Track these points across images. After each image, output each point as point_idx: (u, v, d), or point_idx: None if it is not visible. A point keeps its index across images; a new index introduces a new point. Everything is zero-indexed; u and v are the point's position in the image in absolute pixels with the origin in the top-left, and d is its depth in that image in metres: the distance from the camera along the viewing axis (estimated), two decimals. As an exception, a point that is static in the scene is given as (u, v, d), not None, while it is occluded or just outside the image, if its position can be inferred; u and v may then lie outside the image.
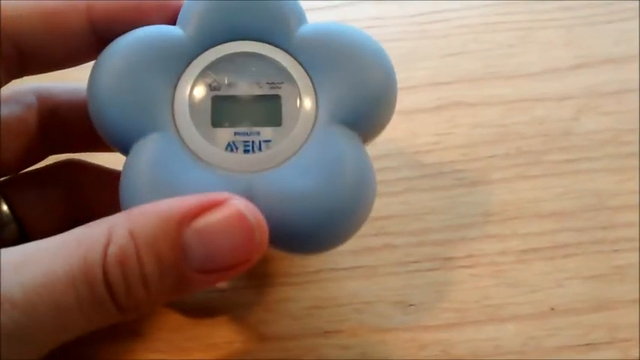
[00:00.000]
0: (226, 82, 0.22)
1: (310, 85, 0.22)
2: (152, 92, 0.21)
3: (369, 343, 0.25)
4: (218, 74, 0.22)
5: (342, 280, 0.27)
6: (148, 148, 0.21)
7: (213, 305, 0.26)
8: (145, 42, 0.22)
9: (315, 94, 0.22)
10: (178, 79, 0.22)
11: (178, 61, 0.22)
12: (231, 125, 0.21)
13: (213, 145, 0.21)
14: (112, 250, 0.17)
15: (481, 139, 0.30)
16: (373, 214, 0.28)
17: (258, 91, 0.22)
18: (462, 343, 0.25)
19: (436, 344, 0.25)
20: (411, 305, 0.26)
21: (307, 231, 0.20)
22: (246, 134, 0.21)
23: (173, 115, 0.22)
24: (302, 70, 0.22)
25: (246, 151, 0.21)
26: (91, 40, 0.22)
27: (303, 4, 0.35)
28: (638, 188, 0.29)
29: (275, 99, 0.22)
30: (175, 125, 0.21)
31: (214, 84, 0.22)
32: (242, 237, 0.18)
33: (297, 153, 0.21)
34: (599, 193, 0.29)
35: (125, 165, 0.21)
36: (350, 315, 0.26)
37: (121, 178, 0.21)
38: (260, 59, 0.22)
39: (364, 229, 0.28)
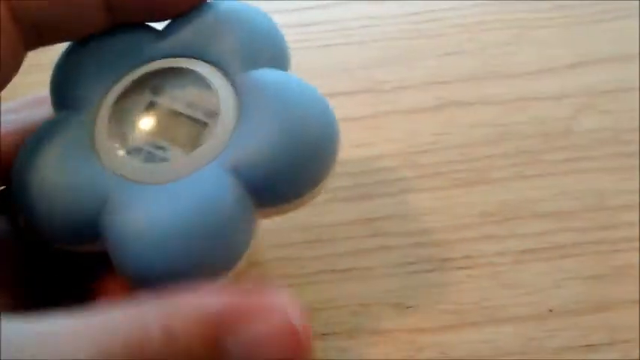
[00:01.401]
0: (169, 93, 0.22)
1: (235, 127, 0.20)
2: (106, 67, 0.22)
3: (367, 345, 0.25)
4: (167, 82, 0.22)
5: (338, 281, 0.27)
6: (53, 125, 0.21)
7: None
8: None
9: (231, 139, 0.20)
10: (132, 69, 0.22)
11: (143, 53, 0.22)
12: (149, 133, 0.21)
13: (119, 145, 0.21)
14: (149, 346, 0.16)
15: (479, 138, 0.30)
16: (370, 214, 0.28)
17: (191, 113, 0.21)
18: (460, 345, 0.25)
19: (434, 346, 0.25)
20: (408, 307, 0.26)
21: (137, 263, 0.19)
22: (155, 146, 0.21)
23: (106, 97, 0.22)
24: (236, 111, 0.21)
25: (144, 161, 0.20)
26: (105, 15, 0.22)
27: (297, 3, 0.36)
28: (638, 188, 0.28)
29: (203, 127, 0.21)
30: (99, 108, 0.22)
31: (157, 90, 0.22)
32: (289, 351, 0.17)
33: (177, 181, 0.20)
34: (599, 192, 0.28)
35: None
36: (347, 317, 0.26)
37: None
38: (209, 87, 0.21)
39: (361, 229, 0.28)
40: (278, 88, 0.21)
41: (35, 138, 0.22)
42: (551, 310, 0.25)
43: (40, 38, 0.21)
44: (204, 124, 0.21)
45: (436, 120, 0.31)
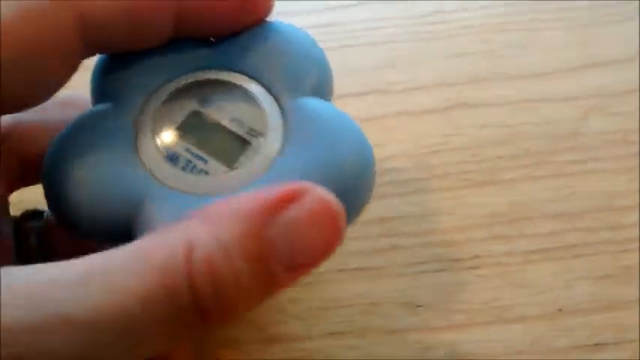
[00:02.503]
0: (215, 105, 0.21)
1: (279, 151, 0.21)
2: (157, 67, 0.22)
3: (377, 344, 0.25)
4: (214, 94, 0.22)
5: (349, 281, 0.27)
6: (94, 117, 0.21)
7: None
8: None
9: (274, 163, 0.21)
10: (183, 74, 0.22)
11: (196, 60, 0.22)
12: (190, 141, 0.21)
13: (159, 148, 0.21)
14: (198, 256, 0.16)
15: (488, 139, 0.30)
16: (380, 214, 0.28)
17: (235, 129, 0.21)
18: (469, 344, 0.25)
19: (444, 345, 0.25)
20: (418, 306, 0.26)
21: None
22: (195, 156, 0.21)
23: (152, 97, 0.22)
24: (281, 136, 0.21)
25: (182, 169, 0.20)
26: (171, 31, 0.21)
27: (309, 5, 0.36)
28: (645, 188, 0.28)
29: (245, 145, 0.21)
30: (144, 107, 0.21)
31: (204, 100, 0.22)
32: (329, 226, 0.17)
33: (214, 196, 0.20)
34: (607, 193, 0.28)
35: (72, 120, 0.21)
36: (357, 316, 0.26)
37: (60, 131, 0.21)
38: (257, 106, 0.21)
39: (372, 229, 0.28)
40: (324, 118, 0.21)
41: (75, 128, 0.21)
42: (560, 310, 0.26)
43: (99, 48, 0.21)
44: (247, 143, 0.21)
45: (446, 121, 0.31)
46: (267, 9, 0.22)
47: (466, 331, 0.26)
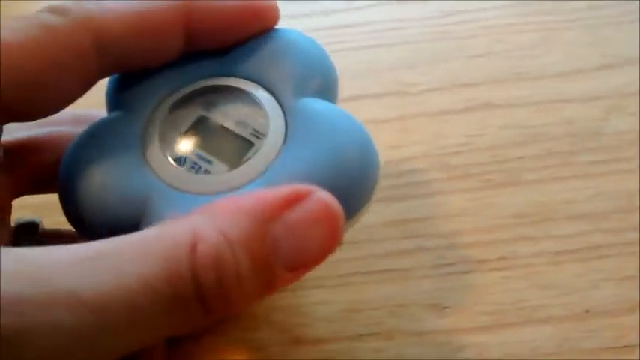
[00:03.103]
0: (220, 109, 0.22)
1: (280, 151, 0.21)
2: (165, 77, 0.23)
3: (404, 346, 0.25)
4: (219, 99, 0.22)
5: (376, 282, 0.27)
6: (106, 124, 0.22)
7: (250, 308, 0.26)
8: None
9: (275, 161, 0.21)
10: (190, 82, 0.23)
11: (202, 69, 0.23)
12: (196, 144, 0.22)
13: (166, 152, 0.21)
14: (203, 248, 0.17)
15: (510, 140, 0.30)
16: (403, 216, 0.28)
17: (239, 131, 0.22)
18: (497, 346, 0.25)
19: (471, 347, 0.25)
20: (445, 308, 0.26)
21: None
22: (201, 158, 0.21)
23: (161, 105, 0.22)
24: (283, 135, 0.21)
25: (188, 171, 0.21)
26: (182, 46, 0.22)
27: (326, 5, 0.36)
28: (669, 189, 0.28)
29: (249, 146, 0.21)
30: (153, 115, 0.22)
31: (209, 105, 0.22)
32: (329, 229, 0.18)
33: (217, 194, 0.21)
34: (631, 193, 0.28)
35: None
36: (385, 318, 0.26)
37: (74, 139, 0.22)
38: (260, 109, 0.22)
39: (395, 231, 0.28)
40: (325, 117, 0.21)
41: (87, 135, 0.22)
42: (587, 311, 0.26)
43: (116, 66, 0.22)
44: (251, 144, 0.21)
45: (466, 122, 0.31)
46: (274, 18, 0.23)
47: (494, 333, 0.25)
